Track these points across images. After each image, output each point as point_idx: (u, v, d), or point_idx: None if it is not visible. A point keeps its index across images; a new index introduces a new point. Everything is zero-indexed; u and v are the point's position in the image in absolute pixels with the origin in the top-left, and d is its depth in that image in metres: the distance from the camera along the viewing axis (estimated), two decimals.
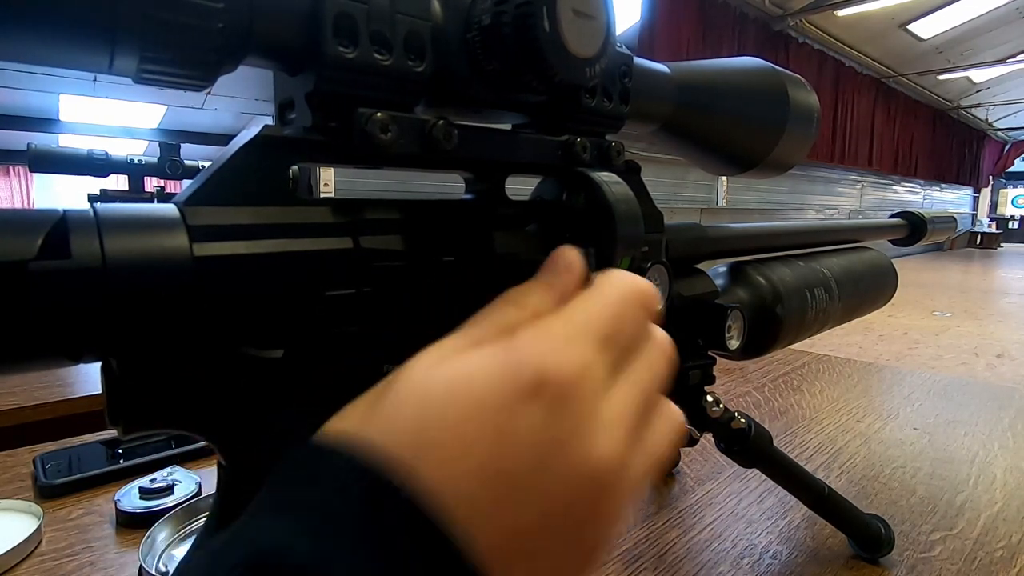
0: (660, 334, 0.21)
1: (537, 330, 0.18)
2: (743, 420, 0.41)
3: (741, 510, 0.53)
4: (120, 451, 0.60)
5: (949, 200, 10.84)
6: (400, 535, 0.14)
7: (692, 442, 0.38)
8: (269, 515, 0.14)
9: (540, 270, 0.21)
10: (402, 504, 0.14)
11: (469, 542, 0.14)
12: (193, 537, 0.46)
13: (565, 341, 0.17)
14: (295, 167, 0.21)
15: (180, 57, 0.17)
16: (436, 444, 0.15)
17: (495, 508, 0.15)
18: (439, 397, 0.15)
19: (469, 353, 0.17)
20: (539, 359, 0.16)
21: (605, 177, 0.26)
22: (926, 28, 6.13)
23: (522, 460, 0.15)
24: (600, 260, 0.26)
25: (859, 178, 7.69)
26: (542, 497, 0.16)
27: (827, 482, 0.46)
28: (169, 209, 0.18)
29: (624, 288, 0.20)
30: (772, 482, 0.46)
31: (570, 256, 0.21)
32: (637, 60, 0.30)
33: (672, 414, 0.20)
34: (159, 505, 0.50)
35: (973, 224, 11.80)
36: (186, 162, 1.14)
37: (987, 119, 10.04)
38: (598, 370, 0.17)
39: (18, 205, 6.01)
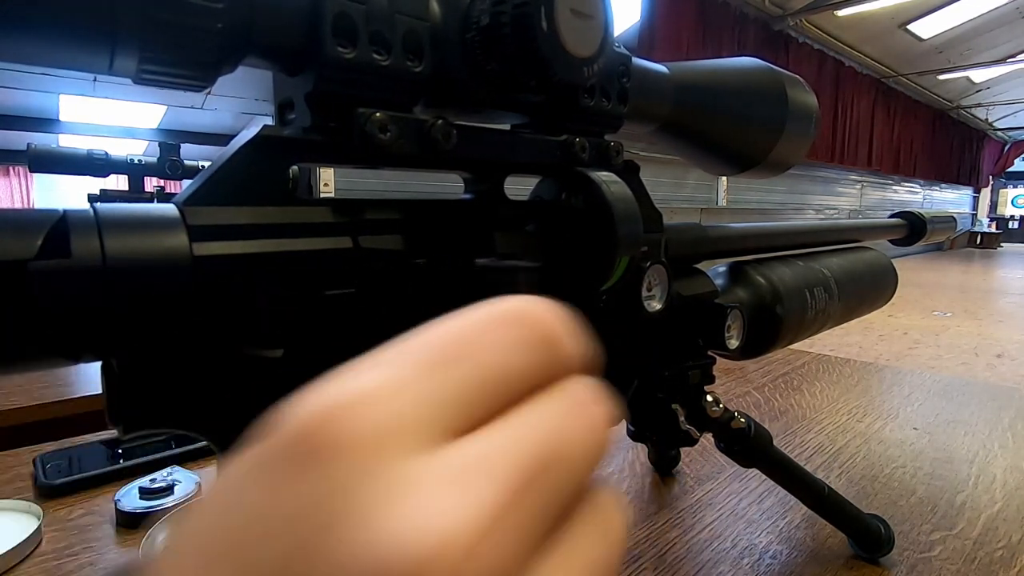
0: (576, 388, 0.12)
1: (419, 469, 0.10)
2: (743, 420, 0.42)
3: (741, 510, 0.53)
4: (120, 451, 0.60)
5: (949, 200, 10.84)
6: None
7: (692, 442, 0.38)
8: None
9: None
10: None
11: None
12: None
13: (453, 486, 0.10)
14: (295, 167, 0.21)
15: (180, 57, 0.17)
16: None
17: None
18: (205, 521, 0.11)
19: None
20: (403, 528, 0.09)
21: (604, 177, 0.26)
22: (926, 28, 6.13)
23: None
24: (599, 259, 0.26)
25: (859, 178, 7.69)
26: None
27: (827, 482, 0.46)
28: (169, 209, 0.18)
29: (503, 313, 0.12)
30: (772, 482, 0.46)
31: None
32: (636, 60, 0.30)
33: (601, 518, 0.12)
34: (159, 505, 0.50)
35: (973, 224, 11.80)
36: (186, 162, 1.14)
37: (987, 119, 10.04)
38: (509, 544, 0.10)
39: (18, 205, 6.01)
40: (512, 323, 0.12)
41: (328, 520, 0.09)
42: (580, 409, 0.12)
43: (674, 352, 0.37)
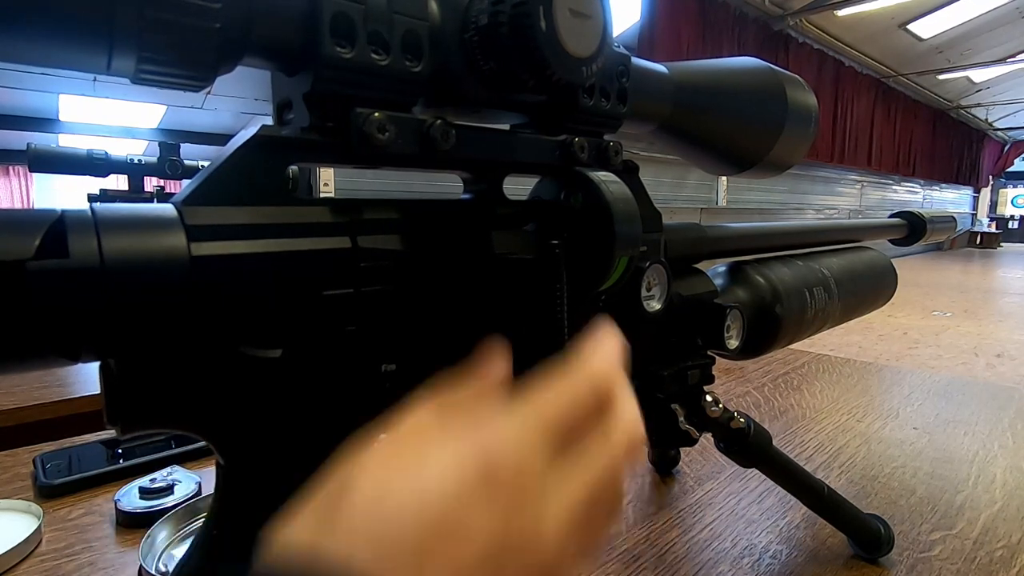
0: (624, 427, 0.20)
1: (485, 423, 0.17)
2: (742, 420, 0.41)
3: (741, 510, 0.53)
4: (120, 451, 0.60)
5: (949, 200, 10.83)
6: None
7: (692, 442, 0.38)
8: None
9: (471, 361, 0.20)
10: None
11: None
12: (193, 537, 0.46)
13: (513, 434, 0.17)
14: (294, 167, 0.21)
15: (178, 58, 0.17)
16: (401, 561, 0.15)
17: None
18: (398, 514, 0.15)
19: (419, 456, 0.17)
20: (487, 454, 0.16)
21: (603, 176, 0.26)
22: (926, 28, 6.13)
23: (478, 558, 0.15)
24: (598, 259, 0.26)
25: (859, 178, 7.69)
26: None
27: (827, 482, 0.46)
28: (167, 209, 0.18)
29: (585, 383, 0.19)
30: (772, 482, 0.46)
31: (495, 347, 0.20)
32: (635, 60, 0.30)
33: (617, 506, 0.19)
34: (159, 505, 0.50)
35: (973, 224, 11.79)
36: (186, 162, 1.14)
37: (987, 119, 10.04)
38: (544, 462, 0.17)
39: (18, 205, 6.01)
40: (592, 397, 0.19)
41: (507, 534, 0.16)
42: (623, 441, 0.19)
43: (673, 352, 0.37)
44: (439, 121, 0.22)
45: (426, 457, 0.16)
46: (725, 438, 0.42)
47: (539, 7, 0.21)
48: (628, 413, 0.20)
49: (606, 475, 0.19)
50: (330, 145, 0.21)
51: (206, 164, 0.21)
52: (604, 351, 0.20)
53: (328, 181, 3.03)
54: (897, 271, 0.57)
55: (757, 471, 0.44)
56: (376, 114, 0.21)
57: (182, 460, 0.59)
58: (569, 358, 0.20)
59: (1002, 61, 6.98)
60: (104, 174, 1.07)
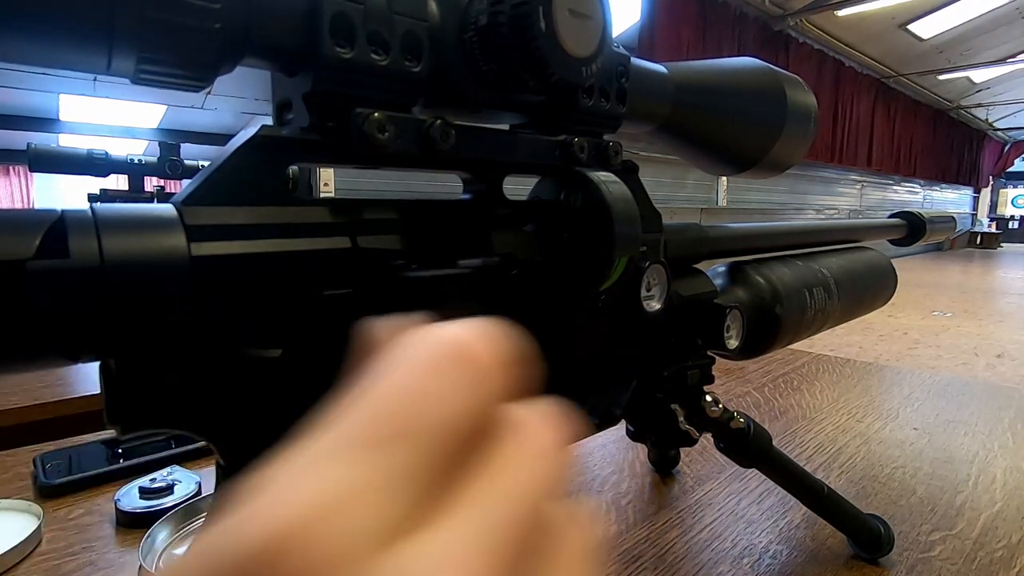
0: (575, 522, 0.13)
1: (419, 547, 0.10)
2: (742, 420, 0.42)
3: (741, 510, 0.53)
4: (120, 451, 0.60)
5: (949, 200, 10.83)
6: None
7: (692, 442, 0.38)
8: None
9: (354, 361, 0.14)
10: None
11: None
12: (193, 537, 0.46)
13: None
14: (294, 167, 0.21)
15: (178, 58, 0.17)
16: None
17: None
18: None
19: None
20: None
21: (603, 177, 0.26)
22: (926, 28, 6.13)
23: None
24: (598, 259, 0.26)
25: (859, 178, 7.69)
26: None
27: (827, 482, 0.46)
28: (167, 209, 0.18)
29: (535, 478, 0.12)
30: (772, 482, 0.46)
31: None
32: (635, 60, 0.30)
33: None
34: (159, 505, 0.50)
35: (973, 224, 11.79)
36: (186, 162, 1.14)
37: (987, 119, 10.04)
38: None
39: (18, 205, 6.01)
40: (448, 367, 0.11)
41: None
42: (532, 456, 0.12)
43: (673, 352, 0.37)
44: (439, 121, 0.22)
45: None
46: (725, 438, 0.42)
47: (539, 7, 0.21)
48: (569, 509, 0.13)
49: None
50: (330, 145, 0.21)
51: (206, 164, 0.21)
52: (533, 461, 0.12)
53: (328, 181, 3.03)
54: (897, 271, 0.57)
55: (757, 471, 0.44)
56: (376, 114, 0.21)
57: (182, 460, 0.59)
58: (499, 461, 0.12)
59: (1002, 61, 6.98)
60: (104, 174, 1.07)
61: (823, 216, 6.90)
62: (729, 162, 0.36)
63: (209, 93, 4.51)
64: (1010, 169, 12.03)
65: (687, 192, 5.21)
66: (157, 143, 1.15)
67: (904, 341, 3.49)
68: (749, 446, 0.42)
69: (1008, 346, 3.36)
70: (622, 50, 0.29)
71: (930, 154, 8.66)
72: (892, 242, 0.62)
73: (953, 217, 0.67)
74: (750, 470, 0.45)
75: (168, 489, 0.52)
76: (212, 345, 0.18)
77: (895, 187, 8.71)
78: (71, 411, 0.74)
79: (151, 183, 1.24)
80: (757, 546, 0.48)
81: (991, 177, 11.74)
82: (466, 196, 0.28)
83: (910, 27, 6.06)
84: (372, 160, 0.22)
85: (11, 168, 6.19)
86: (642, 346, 0.35)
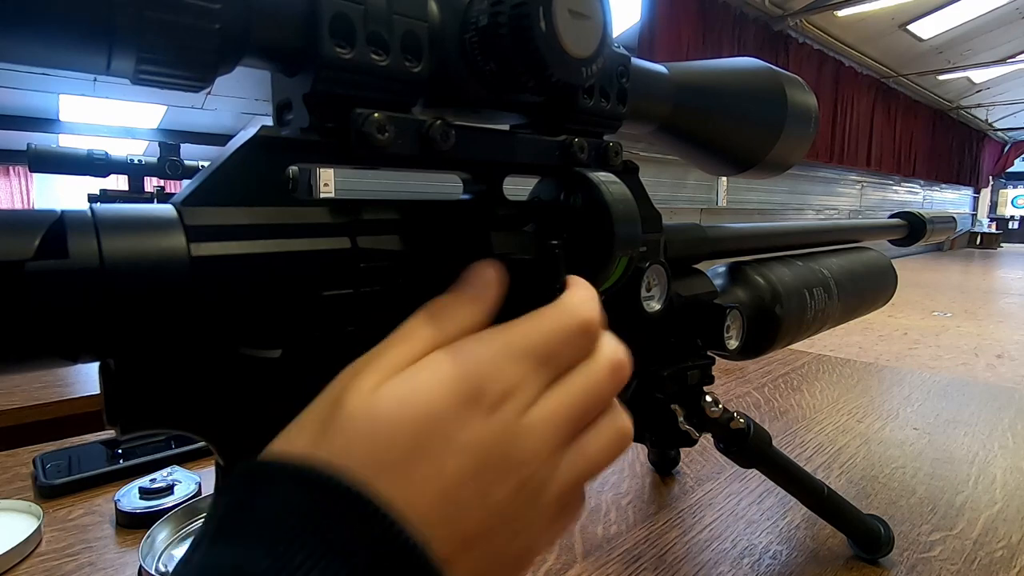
0: (606, 352, 0.21)
1: (476, 345, 0.18)
2: (742, 420, 0.42)
3: (741, 510, 0.53)
4: (120, 451, 0.60)
5: (949, 200, 10.83)
6: (363, 546, 0.14)
7: (691, 442, 0.38)
8: (225, 538, 0.15)
9: (458, 282, 0.21)
10: (365, 517, 0.15)
11: (428, 549, 0.15)
12: (193, 537, 0.46)
13: (503, 356, 0.18)
14: (294, 167, 0.21)
15: (177, 58, 0.17)
16: (391, 463, 0.16)
17: (446, 515, 0.16)
18: (389, 418, 0.16)
19: (411, 370, 0.17)
20: (477, 372, 0.17)
21: (603, 177, 0.26)
22: (926, 28, 6.13)
23: (465, 467, 0.17)
24: (598, 260, 0.26)
25: (859, 178, 7.69)
26: (482, 499, 0.17)
27: (827, 482, 0.46)
28: (166, 209, 0.18)
29: (568, 317, 0.20)
30: (772, 482, 0.46)
31: (488, 275, 0.21)
32: (635, 60, 0.30)
33: (616, 424, 0.21)
34: (159, 505, 0.50)
35: (973, 224, 11.79)
36: (186, 162, 1.14)
37: (987, 119, 10.04)
38: (531, 382, 0.18)
39: (18, 205, 6.02)
40: (581, 331, 0.20)
41: (492, 445, 0.17)
42: (607, 362, 0.21)
43: (673, 352, 0.37)
44: (439, 121, 0.22)
45: (415, 374, 0.17)
46: (725, 438, 0.42)
47: (538, 8, 0.21)
48: (611, 342, 0.21)
49: (589, 390, 0.20)
50: (330, 145, 0.21)
51: (206, 164, 0.21)
52: (587, 300, 0.21)
53: (328, 181, 3.03)
54: (897, 271, 0.57)
55: (757, 472, 0.44)
56: (376, 114, 0.21)
57: (182, 460, 0.59)
58: (552, 305, 0.20)
59: (1002, 61, 6.98)
60: (104, 174, 1.07)
61: (823, 216, 6.90)
62: (729, 162, 0.36)
63: (209, 93, 4.51)
64: (1010, 169, 12.04)
65: (687, 192, 5.21)
66: (157, 143, 1.15)
67: (904, 341, 3.49)
68: (749, 446, 0.42)
69: (1008, 346, 3.36)
70: (622, 50, 0.29)
71: (930, 154, 8.66)
72: (892, 242, 0.62)
73: (953, 217, 0.67)
74: (750, 470, 0.45)
75: (168, 489, 0.52)
76: (212, 345, 0.18)
77: (895, 187, 8.71)
78: (71, 411, 0.74)
79: (151, 183, 1.24)
80: (757, 546, 0.48)
81: (991, 177, 11.74)
82: (466, 196, 0.28)
83: (910, 27, 6.06)
84: (372, 160, 0.22)
85: (11, 168, 6.20)
86: (642, 346, 0.35)
